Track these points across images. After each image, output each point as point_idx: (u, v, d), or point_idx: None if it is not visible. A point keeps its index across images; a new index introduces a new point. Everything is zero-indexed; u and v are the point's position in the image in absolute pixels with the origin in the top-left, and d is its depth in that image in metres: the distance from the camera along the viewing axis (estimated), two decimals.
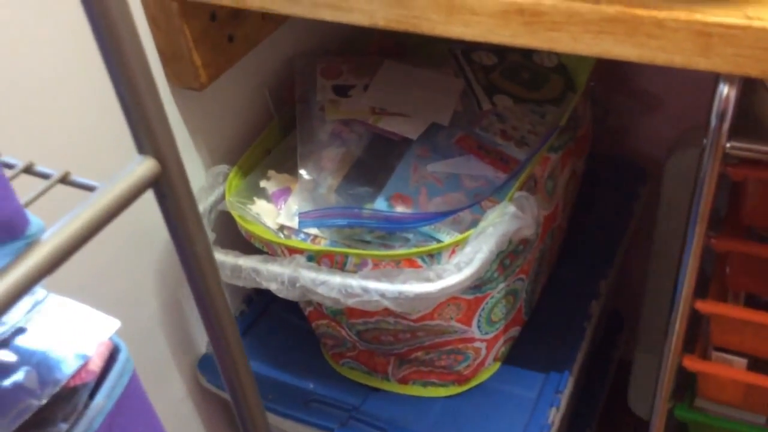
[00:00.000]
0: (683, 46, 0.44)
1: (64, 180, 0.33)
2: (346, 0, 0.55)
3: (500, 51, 0.84)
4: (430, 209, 0.68)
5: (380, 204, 0.69)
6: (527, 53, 0.84)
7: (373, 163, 0.73)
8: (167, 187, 0.34)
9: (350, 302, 0.61)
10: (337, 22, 0.57)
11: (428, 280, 0.59)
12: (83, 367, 0.32)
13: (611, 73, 0.93)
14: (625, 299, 1.07)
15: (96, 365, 0.31)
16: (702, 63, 0.44)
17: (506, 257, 0.67)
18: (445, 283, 0.58)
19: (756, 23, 0.41)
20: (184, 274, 0.38)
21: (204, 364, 0.83)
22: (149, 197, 0.70)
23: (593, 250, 0.86)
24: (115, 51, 0.30)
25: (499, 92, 0.79)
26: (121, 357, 0.33)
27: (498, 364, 0.76)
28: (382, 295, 0.59)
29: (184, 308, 0.82)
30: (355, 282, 0.60)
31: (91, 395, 0.31)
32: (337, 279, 0.61)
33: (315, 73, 0.80)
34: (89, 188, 0.33)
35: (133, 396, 0.33)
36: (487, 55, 0.84)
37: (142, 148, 0.33)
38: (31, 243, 0.29)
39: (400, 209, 0.69)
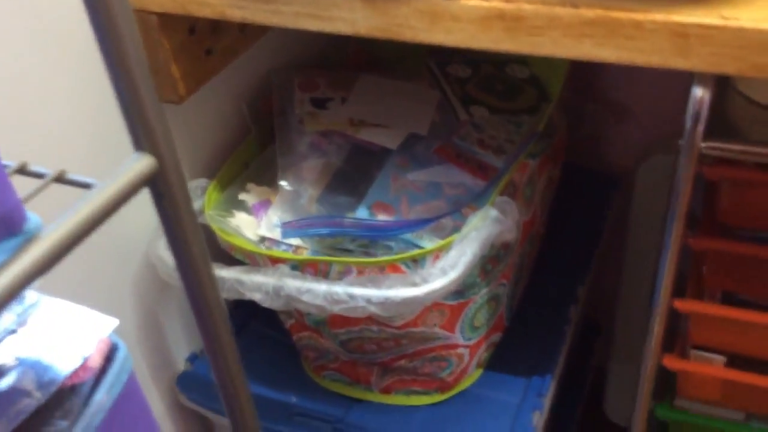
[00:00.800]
0: (661, 47, 0.45)
1: (60, 179, 0.33)
2: (328, 9, 0.56)
3: (474, 63, 0.85)
4: (411, 217, 0.69)
5: (362, 213, 0.69)
6: (500, 65, 0.85)
7: (354, 173, 0.73)
8: (164, 185, 0.34)
9: (336, 309, 0.61)
10: (319, 31, 0.58)
11: (414, 284, 0.59)
12: (82, 366, 0.31)
13: (583, 84, 0.95)
14: (600, 307, 1.08)
15: (95, 362, 0.31)
16: (680, 63, 0.46)
17: (488, 262, 0.68)
18: (431, 287, 0.59)
19: (731, 23, 0.43)
20: (179, 275, 0.38)
21: (183, 382, 0.81)
22: (128, 211, 0.69)
23: (569, 256, 0.87)
24: (113, 44, 0.30)
25: (474, 103, 0.80)
26: (120, 355, 0.32)
27: (480, 371, 0.77)
28: (368, 300, 0.59)
29: (162, 325, 0.81)
30: (340, 289, 0.60)
31: (91, 393, 0.31)
32: (322, 286, 0.61)
33: (293, 87, 0.81)
34: (86, 186, 0.32)
35: (132, 396, 0.33)
36: (461, 68, 0.85)
37: (139, 145, 0.33)
38: (30, 239, 0.29)
39: (381, 217, 0.69)
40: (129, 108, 0.32)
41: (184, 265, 0.37)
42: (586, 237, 0.89)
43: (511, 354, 0.77)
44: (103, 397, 0.31)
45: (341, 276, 0.64)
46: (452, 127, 0.77)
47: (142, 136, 0.32)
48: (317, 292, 0.61)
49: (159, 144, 0.33)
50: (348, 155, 0.75)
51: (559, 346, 0.76)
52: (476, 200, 0.67)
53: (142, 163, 0.32)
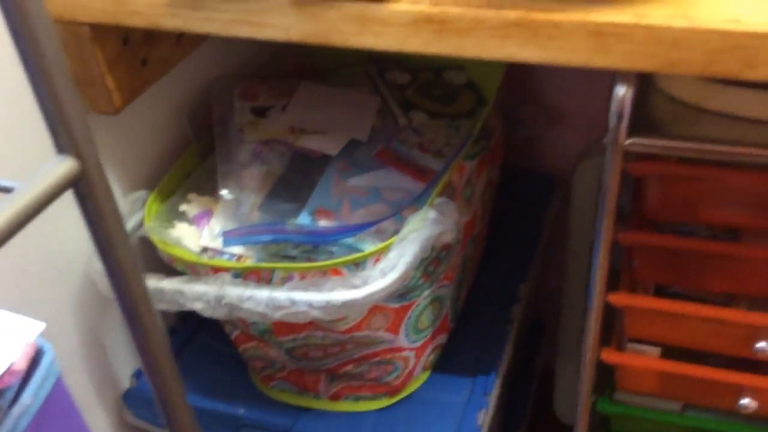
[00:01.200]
0: (581, 46, 0.47)
1: None
2: (260, 15, 0.56)
3: (413, 70, 0.87)
4: (353, 221, 0.69)
5: (304, 219, 0.70)
6: (438, 72, 0.87)
7: (295, 180, 0.74)
8: (87, 187, 0.34)
9: (278, 315, 0.61)
10: (252, 38, 0.58)
11: (354, 286, 0.59)
12: (7, 371, 0.31)
13: (520, 88, 0.97)
14: (545, 308, 1.10)
15: (21, 366, 0.30)
16: (599, 61, 0.47)
17: (430, 264, 0.69)
18: (372, 288, 0.59)
19: (644, 21, 0.45)
20: (108, 279, 0.37)
21: (129, 399, 0.80)
22: (66, 227, 0.68)
23: (511, 257, 0.89)
24: (31, 47, 0.30)
25: (414, 108, 0.81)
26: (46, 359, 0.32)
27: (427, 373, 0.77)
28: (310, 305, 0.60)
29: (106, 342, 0.79)
30: (282, 294, 0.61)
31: (16, 397, 0.30)
32: (264, 293, 0.61)
33: (232, 96, 0.81)
34: (6, 190, 0.32)
35: (60, 401, 0.32)
36: (400, 74, 0.86)
37: (61, 148, 0.33)
38: None
39: (323, 223, 0.69)
40: (50, 110, 0.32)
41: (112, 268, 0.36)
42: (526, 238, 0.91)
43: (456, 355, 0.78)
44: (28, 401, 0.30)
45: (284, 282, 0.64)
46: (392, 131, 0.78)
47: (63, 138, 0.32)
48: (259, 298, 0.61)
49: (81, 146, 0.33)
50: (289, 162, 0.76)
51: (503, 345, 0.78)
52: (416, 202, 0.68)
53: (65, 166, 0.32)
